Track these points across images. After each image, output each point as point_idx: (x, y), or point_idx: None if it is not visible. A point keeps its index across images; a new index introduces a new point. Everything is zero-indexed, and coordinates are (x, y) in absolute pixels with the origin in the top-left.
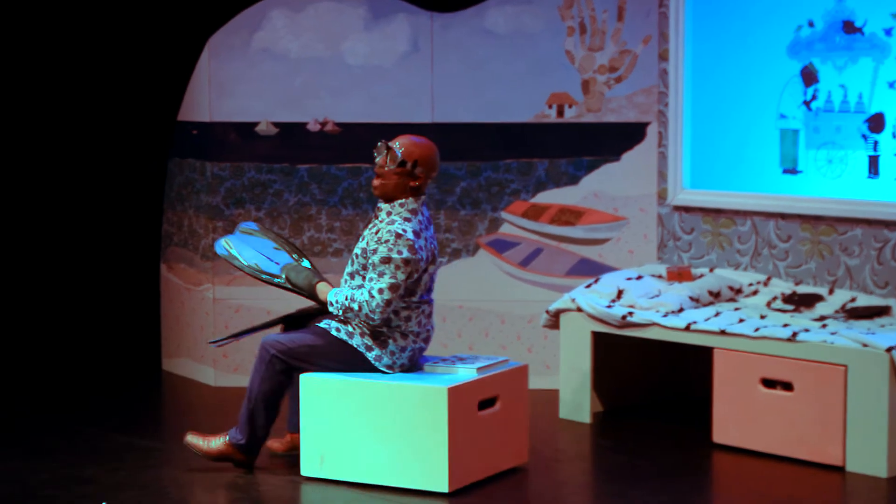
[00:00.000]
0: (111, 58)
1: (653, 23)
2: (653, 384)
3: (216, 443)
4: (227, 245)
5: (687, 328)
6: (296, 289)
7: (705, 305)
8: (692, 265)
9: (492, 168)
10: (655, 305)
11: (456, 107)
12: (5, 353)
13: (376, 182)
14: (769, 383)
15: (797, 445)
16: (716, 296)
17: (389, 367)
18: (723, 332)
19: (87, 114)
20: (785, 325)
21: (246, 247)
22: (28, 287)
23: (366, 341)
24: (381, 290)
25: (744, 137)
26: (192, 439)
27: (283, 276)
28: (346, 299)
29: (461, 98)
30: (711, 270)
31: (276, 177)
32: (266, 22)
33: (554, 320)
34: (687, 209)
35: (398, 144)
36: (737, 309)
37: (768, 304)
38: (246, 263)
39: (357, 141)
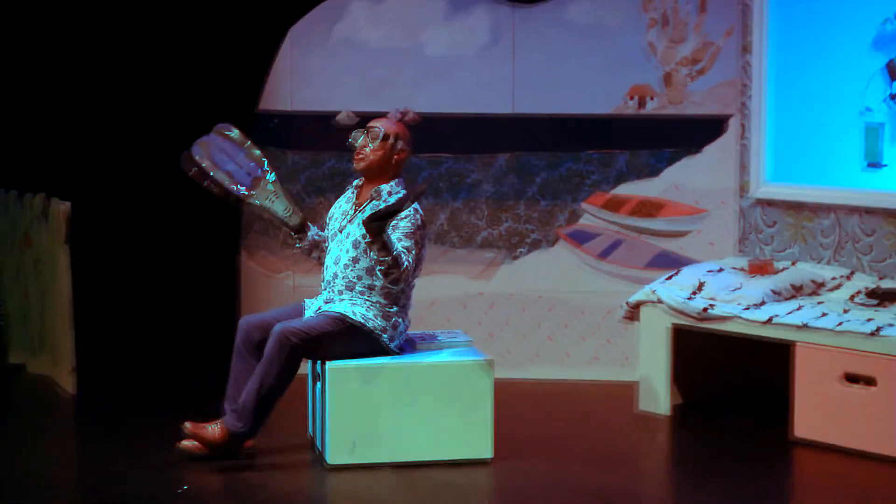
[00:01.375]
0: (193, 48)
1: (736, 15)
2: (732, 378)
3: (213, 429)
4: (204, 149)
5: (768, 322)
6: (265, 211)
7: (787, 299)
8: (774, 258)
9: (572, 159)
10: (736, 299)
11: (536, 98)
12: (93, 341)
13: (358, 162)
14: (851, 378)
15: (879, 441)
16: (798, 290)
17: (399, 347)
18: (805, 327)
19: (168, 105)
20: (868, 320)
21: (222, 152)
22: (114, 275)
23: (380, 323)
24: (416, 260)
25: (827, 131)
26: (192, 427)
27: (260, 200)
28: (398, 252)
29: (542, 90)
30: (793, 264)
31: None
32: (346, 13)
33: (633, 312)
34: (769, 202)
35: (378, 123)
36: (819, 303)
37: (851, 299)
38: (221, 169)
39: (437, 131)
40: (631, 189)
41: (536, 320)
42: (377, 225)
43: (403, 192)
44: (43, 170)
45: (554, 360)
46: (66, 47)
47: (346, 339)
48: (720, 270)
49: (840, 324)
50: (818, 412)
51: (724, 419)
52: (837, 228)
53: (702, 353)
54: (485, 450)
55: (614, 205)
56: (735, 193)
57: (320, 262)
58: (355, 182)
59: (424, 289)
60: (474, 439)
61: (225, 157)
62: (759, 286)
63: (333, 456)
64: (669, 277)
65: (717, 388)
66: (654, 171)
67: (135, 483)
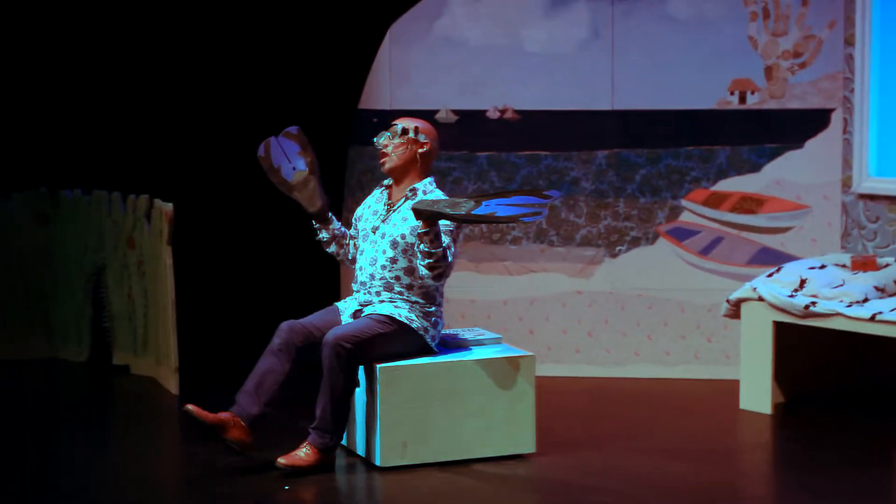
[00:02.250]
0: (295, 48)
1: (838, 7)
2: (836, 375)
3: (306, 453)
4: (265, 147)
5: (872, 318)
6: (294, 197)
7: (891, 295)
8: (877, 254)
9: (672, 156)
10: (839, 295)
11: (636, 94)
12: (196, 341)
13: (385, 163)
14: None
15: None
16: None
17: (437, 345)
18: None
19: (271, 105)
20: None
21: (278, 149)
22: (217, 275)
23: (423, 323)
24: (454, 256)
25: None
26: (285, 460)
27: (292, 184)
28: (446, 246)
29: (641, 85)
30: None
31: (456, 164)
32: (446, 10)
33: (735, 310)
34: (872, 197)
35: (395, 122)
36: None
37: None
38: (273, 164)
39: (536, 128)
40: (732, 185)
41: (636, 318)
42: (430, 214)
43: (438, 190)
44: (146, 171)
45: (654, 359)
46: (172, 48)
47: (394, 340)
48: (822, 267)
49: None
50: None
51: (829, 417)
52: None
53: (805, 350)
54: (528, 444)
55: (715, 201)
56: (837, 188)
57: (337, 257)
58: (385, 182)
59: (523, 287)
60: (519, 434)
61: (280, 152)
62: (863, 282)
63: (385, 458)
64: (771, 274)
65: (821, 385)
66: (755, 167)
67: (239, 482)
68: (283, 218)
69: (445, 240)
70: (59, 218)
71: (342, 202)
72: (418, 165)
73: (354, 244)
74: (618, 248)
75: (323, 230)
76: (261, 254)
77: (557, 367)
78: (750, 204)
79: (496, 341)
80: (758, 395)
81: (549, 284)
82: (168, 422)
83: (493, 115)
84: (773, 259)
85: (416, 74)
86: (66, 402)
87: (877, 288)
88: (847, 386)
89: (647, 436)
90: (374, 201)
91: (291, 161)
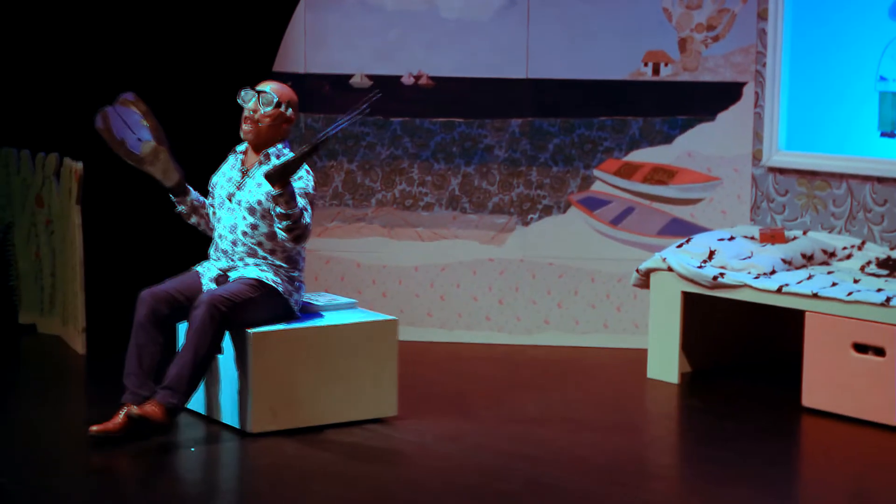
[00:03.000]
0: (209, 10)
1: None
2: (742, 346)
3: (152, 409)
4: (104, 119)
5: (779, 290)
6: (147, 171)
7: (798, 268)
8: (785, 227)
9: (585, 125)
10: (747, 267)
11: (551, 63)
12: (103, 301)
13: (248, 127)
14: (861, 348)
15: (888, 411)
16: (809, 259)
17: (300, 311)
18: (815, 296)
19: (184, 66)
20: (879, 290)
21: (118, 120)
22: (125, 236)
23: (288, 287)
24: (311, 217)
25: (841, 99)
26: (99, 427)
27: (141, 157)
28: (302, 208)
29: (556, 54)
30: (805, 233)
31: (370, 129)
32: None
33: (644, 280)
34: (782, 171)
35: (268, 87)
36: (830, 272)
37: (862, 269)
38: (116, 137)
39: (451, 95)
40: (644, 156)
41: (546, 286)
42: (280, 175)
43: (291, 153)
44: (56, 129)
45: (564, 327)
46: (80, 4)
47: (263, 305)
48: (731, 239)
49: (850, 293)
50: (828, 382)
51: (734, 387)
52: (849, 198)
53: (713, 321)
54: (391, 408)
55: (627, 171)
56: (748, 161)
57: (199, 227)
58: (239, 148)
59: (435, 253)
60: (383, 397)
61: (122, 123)
62: (771, 255)
63: (257, 424)
64: (681, 245)
65: (728, 356)
66: (667, 138)
67: (140, 442)
68: (194, 175)
69: (301, 202)
70: None
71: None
72: (280, 135)
73: (213, 213)
74: (530, 216)
75: (181, 203)
76: (171, 212)
77: (468, 333)
78: (661, 175)
79: (351, 306)
80: (665, 364)
81: (460, 251)
82: (74, 382)
83: (407, 80)
84: (683, 230)
85: (331, 39)
86: None
87: (784, 260)
88: (753, 357)
89: (556, 404)
90: (230, 168)
91: (136, 132)
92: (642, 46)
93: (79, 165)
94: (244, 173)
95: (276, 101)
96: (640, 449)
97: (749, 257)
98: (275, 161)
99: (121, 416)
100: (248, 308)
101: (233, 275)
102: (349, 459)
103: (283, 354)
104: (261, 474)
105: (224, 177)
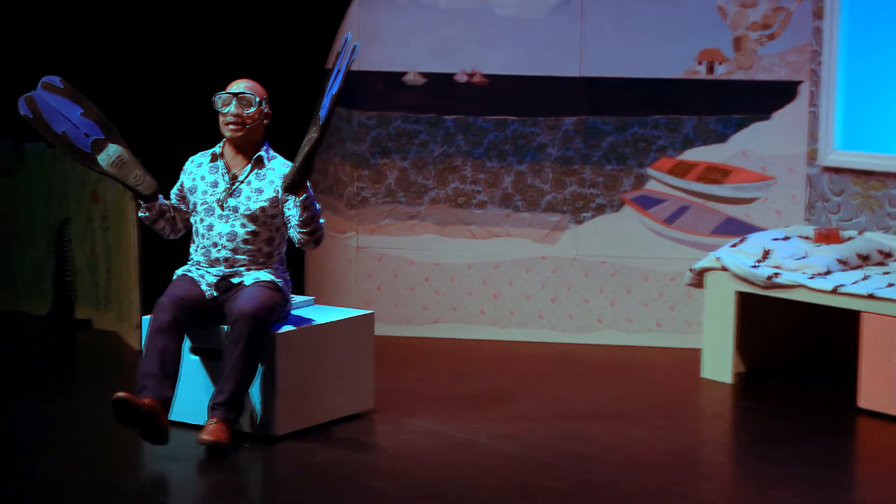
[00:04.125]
0: (261, 5)
1: None
2: (797, 346)
3: (222, 428)
4: (30, 105)
5: (834, 291)
6: (115, 178)
7: (853, 269)
8: (841, 227)
9: (639, 124)
10: (802, 267)
11: (605, 61)
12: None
13: (237, 130)
14: None
15: None
16: (864, 259)
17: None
18: (871, 296)
19: (238, 61)
20: None
21: (54, 110)
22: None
23: (286, 288)
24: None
25: None
26: (209, 436)
27: (104, 164)
28: (319, 210)
29: (610, 52)
30: (860, 233)
31: (423, 127)
32: None
33: (698, 279)
34: (837, 170)
35: (243, 87)
36: (886, 273)
37: None
38: (56, 131)
39: (504, 93)
40: (698, 155)
41: (599, 285)
42: (302, 181)
43: (277, 155)
44: (114, 125)
45: (616, 326)
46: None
47: (281, 306)
48: (786, 238)
49: None
50: (883, 383)
51: (789, 388)
52: None
53: (767, 321)
54: (368, 401)
55: (681, 170)
56: (803, 161)
57: (163, 232)
58: (214, 150)
59: (487, 251)
60: (363, 391)
61: (59, 115)
62: (826, 255)
63: (283, 426)
64: (735, 244)
65: (782, 356)
66: (721, 137)
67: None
68: None
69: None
70: (22, 171)
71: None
72: (262, 133)
73: (181, 218)
74: (583, 214)
75: (150, 210)
76: None
77: (520, 331)
78: (715, 174)
79: (309, 303)
80: (719, 364)
81: (513, 249)
82: (130, 376)
83: (461, 78)
84: (737, 229)
85: (385, 35)
86: (28, 355)
87: (839, 261)
88: (808, 357)
89: (608, 402)
90: (208, 172)
91: (79, 125)
92: (697, 45)
93: None
94: (235, 179)
95: (256, 100)
96: (693, 448)
97: (804, 257)
98: (269, 165)
99: (145, 405)
100: (274, 311)
101: (247, 278)
102: (398, 456)
103: (301, 353)
104: (313, 473)
105: (203, 181)
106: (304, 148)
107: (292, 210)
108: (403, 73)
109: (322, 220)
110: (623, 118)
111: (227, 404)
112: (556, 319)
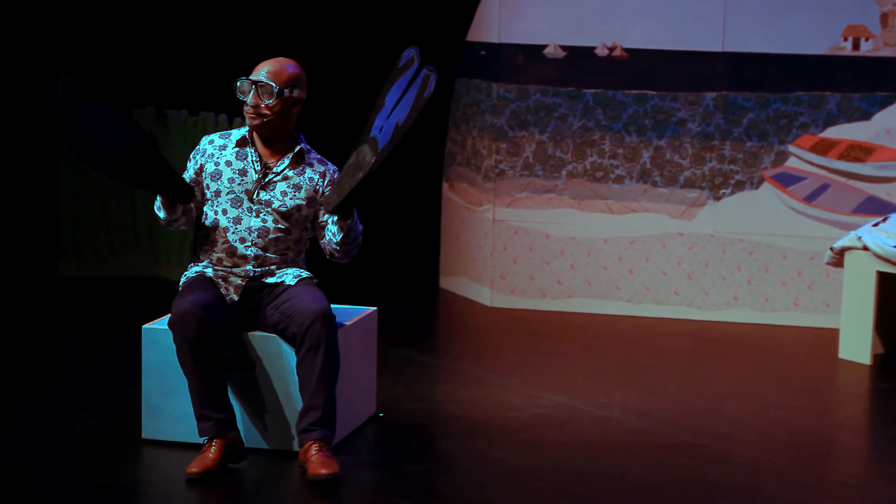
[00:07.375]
0: None
1: None
2: None
3: (329, 455)
4: (63, 111)
5: None
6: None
7: None
8: None
9: (781, 100)
10: None
11: (748, 36)
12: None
13: (256, 121)
14: None
15: None
16: None
17: None
18: None
19: (379, 34)
20: None
21: (90, 118)
22: None
23: None
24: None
25: None
26: (325, 469)
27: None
28: (356, 220)
29: (754, 27)
30: None
31: (562, 100)
32: None
33: (838, 258)
34: None
35: (264, 75)
36: None
37: None
38: (88, 142)
39: (645, 67)
40: (840, 132)
41: (737, 263)
42: (348, 208)
43: (312, 149)
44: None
45: (753, 305)
46: None
47: None
48: None
49: None
50: None
51: None
52: None
53: None
54: (370, 405)
55: (822, 148)
56: None
57: (176, 225)
58: (240, 134)
59: (624, 226)
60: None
61: (92, 122)
62: None
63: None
64: (877, 224)
65: None
66: (865, 115)
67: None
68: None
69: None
70: (165, 137)
71: (446, 133)
72: (292, 121)
73: (196, 207)
74: (721, 191)
75: (176, 210)
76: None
77: (655, 307)
78: (858, 152)
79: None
80: (858, 345)
81: (650, 225)
82: None
83: (601, 52)
84: (879, 209)
85: (526, 9)
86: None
87: None
88: None
89: (743, 381)
90: (234, 157)
91: (111, 135)
92: (842, 21)
93: None
94: (268, 170)
95: (276, 90)
96: (829, 429)
97: None
98: (310, 161)
99: (212, 450)
100: None
101: (286, 277)
102: (529, 428)
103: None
104: (460, 469)
105: (230, 167)
106: (359, 174)
107: (331, 226)
108: (544, 46)
109: (360, 236)
110: (765, 94)
111: (323, 422)
112: (693, 296)
